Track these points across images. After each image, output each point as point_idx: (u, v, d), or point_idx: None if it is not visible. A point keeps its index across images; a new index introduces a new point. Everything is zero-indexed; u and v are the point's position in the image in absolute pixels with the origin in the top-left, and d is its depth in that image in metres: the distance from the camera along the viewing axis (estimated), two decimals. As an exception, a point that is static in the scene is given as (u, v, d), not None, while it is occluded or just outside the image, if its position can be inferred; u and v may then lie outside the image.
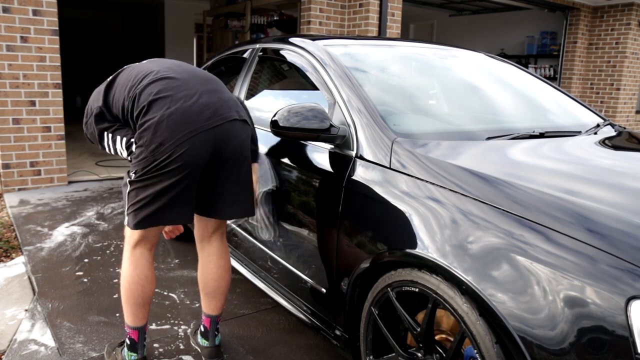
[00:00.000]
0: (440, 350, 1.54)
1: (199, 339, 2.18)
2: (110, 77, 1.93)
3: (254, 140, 2.10)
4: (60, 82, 4.69)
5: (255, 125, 2.49)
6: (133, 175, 1.77)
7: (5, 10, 4.34)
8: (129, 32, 13.02)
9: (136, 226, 1.78)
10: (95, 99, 1.92)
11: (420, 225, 1.53)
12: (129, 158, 1.86)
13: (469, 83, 2.49)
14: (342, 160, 1.90)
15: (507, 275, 1.29)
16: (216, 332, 2.13)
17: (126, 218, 1.83)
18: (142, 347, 1.99)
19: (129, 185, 1.79)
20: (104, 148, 1.92)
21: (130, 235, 1.90)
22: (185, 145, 1.68)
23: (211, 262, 2.05)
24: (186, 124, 1.69)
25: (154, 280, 1.94)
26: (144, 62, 1.95)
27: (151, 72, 1.82)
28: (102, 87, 1.93)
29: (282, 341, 2.33)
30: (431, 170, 1.62)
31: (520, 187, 1.44)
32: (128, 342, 1.98)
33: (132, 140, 1.82)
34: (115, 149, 1.88)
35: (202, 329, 2.15)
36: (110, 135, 1.88)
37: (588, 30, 8.89)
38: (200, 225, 2.05)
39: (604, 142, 2.05)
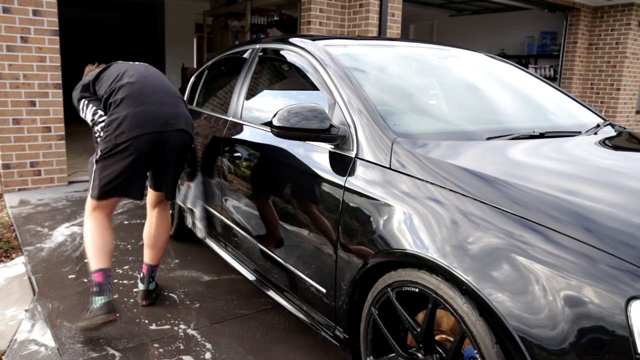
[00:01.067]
0: (440, 351, 1.54)
1: (138, 283, 2.70)
2: (105, 65, 2.55)
3: (192, 163, 2.75)
4: (60, 82, 4.69)
5: (254, 125, 2.50)
6: (99, 152, 2.27)
7: (5, 10, 4.34)
8: (129, 32, 13.02)
9: (98, 197, 2.29)
10: (89, 76, 2.56)
11: (420, 225, 1.53)
12: (90, 123, 2.47)
13: (469, 83, 2.49)
14: (342, 160, 1.90)
15: (507, 275, 1.29)
16: (151, 280, 2.63)
17: (90, 191, 2.33)
18: (108, 291, 2.24)
19: (94, 164, 2.29)
20: (79, 111, 2.53)
21: (89, 204, 2.38)
22: (142, 138, 2.23)
23: (153, 223, 2.62)
24: (145, 123, 2.24)
25: (112, 233, 2.39)
26: (132, 63, 2.51)
27: (132, 76, 2.37)
28: (99, 69, 2.58)
29: (282, 341, 2.34)
30: (431, 171, 1.63)
31: (520, 187, 1.44)
32: (95, 289, 2.23)
33: (99, 113, 2.44)
34: (85, 113, 2.49)
35: (141, 276, 2.65)
36: (86, 102, 2.50)
37: (588, 31, 8.89)
38: (150, 197, 2.63)
39: (604, 143, 2.05)
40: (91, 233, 2.33)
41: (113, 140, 2.21)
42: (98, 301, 2.19)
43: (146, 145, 2.24)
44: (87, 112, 2.47)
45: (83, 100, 2.50)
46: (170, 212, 3.54)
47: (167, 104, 2.33)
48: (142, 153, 2.25)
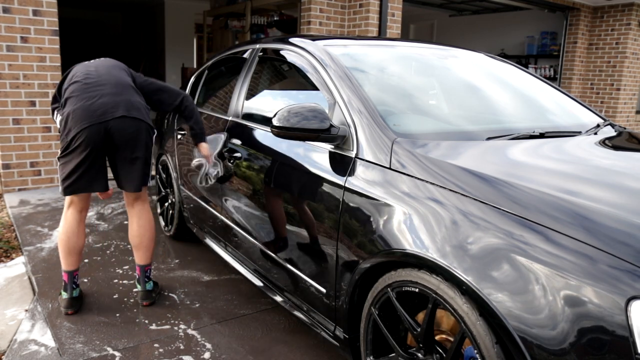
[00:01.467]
0: (440, 351, 1.54)
1: (136, 284, 2.72)
2: (66, 73, 2.58)
3: (196, 125, 2.74)
4: (60, 82, 4.69)
5: (254, 125, 2.50)
6: (59, 152, 2.40)
7: (5, 10, 4.34)
8: (129, 32, 13.01)
9: (64, 192, 2.41)
10: (57, 87, 2.62)
11: (420, 225, 1.53)
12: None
13: (469, 83, 2.49)
14: (342, 160, 1.90)
15: (507, 275, 1.29)
16: (147, 279, 2.65)
17: (59, 187, 2.47)
18: (70, 289, 2.52)
19: (58, 162, 2.44)
20: (54, 120, 2.63)
21: (65, 200, 2.54)
22: (85, 132, 2.30)
23: (133, 222, 2.63)
24: (85, 117, 2.31)
25: (80, 235, 2.52)
26: (87, 62, 2.57)
27: (79, 75, 2.44)
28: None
29: (282, 341, 2.34)
30: (431, 171, 1.63)
31: (520, 187, 1.44)
32: (63, 284, 2.54)
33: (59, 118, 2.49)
34: (57, 123, 2.54)
35: (137, 277, 2.68)
36: (56, 112, 2.59)
37: (588, 31, 8.89)
38: (124, 196, 2.65)
39: (604, 143, 2.05)
40: (62, 235, 2.50)
41: (65, 139, 2.35)
42: (63, 295, 2.53)
43: (93, 138, 2.31)
44: (58, 121, 2.54)
45: (55, 111, 2.60)
46: (170, 212, 3.54)
47: (106, 94, 2.37)
48: (94, 147, 2.33)
